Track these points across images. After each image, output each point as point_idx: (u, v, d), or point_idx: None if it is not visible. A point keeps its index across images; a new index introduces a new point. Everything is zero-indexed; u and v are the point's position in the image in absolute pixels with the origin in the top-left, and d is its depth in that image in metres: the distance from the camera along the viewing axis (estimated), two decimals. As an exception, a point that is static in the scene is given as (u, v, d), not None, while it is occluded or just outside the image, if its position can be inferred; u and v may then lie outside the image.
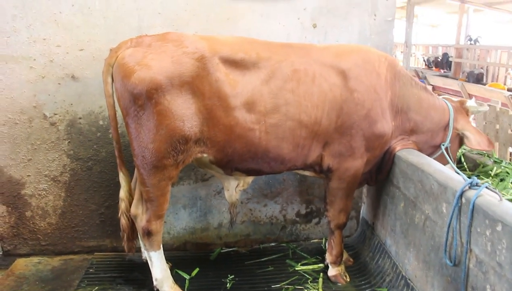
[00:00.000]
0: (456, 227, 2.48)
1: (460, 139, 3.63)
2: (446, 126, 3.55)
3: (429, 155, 3.48)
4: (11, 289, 3.49)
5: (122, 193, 3.26)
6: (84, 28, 3.55)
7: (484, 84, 12.36)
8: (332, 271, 3.61)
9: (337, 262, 3.61)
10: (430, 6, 21.49)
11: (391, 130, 3.32)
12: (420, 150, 3.44)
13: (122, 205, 3.27)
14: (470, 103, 3.69)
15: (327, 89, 3.10)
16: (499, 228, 2.13)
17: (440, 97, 3.70)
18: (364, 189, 4.23)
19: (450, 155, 3.52)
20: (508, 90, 9.48)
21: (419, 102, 3.43)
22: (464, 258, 2.42)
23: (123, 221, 3.29)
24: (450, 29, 22.74)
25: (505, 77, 12.98)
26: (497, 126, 4.05)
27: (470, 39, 16.86)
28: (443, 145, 3.51)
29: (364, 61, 3.23)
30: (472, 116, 3.79)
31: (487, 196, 2.33)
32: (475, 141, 3.49)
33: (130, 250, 3.38)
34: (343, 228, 3.59)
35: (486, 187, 2.38)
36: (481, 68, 14.26)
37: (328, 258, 3.65)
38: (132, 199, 3.26)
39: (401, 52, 17.36)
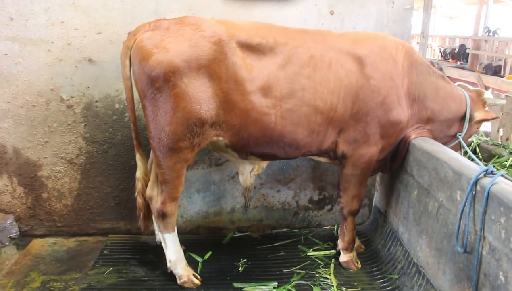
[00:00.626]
0: (470, 214, 2.48)
1: (472, 127, 3.62)
2: (463, 116, 3.53)
3: (444, 144, 3.47)
4: (28, 268, 3.57)
5: (139, 174, 3.32)
6: (102, 11, 3.58)
7: (502, 77, 12.18)
8: (344, 257, 3.63)
9: (349, 248, 3.62)
10: (448, -4, 21.21)
11: (407, 118, 3.31)
12: (435, 139, 3.42)
13: (139, 185, 3.32)
14: (488, 95, 3.67)
15: (343, 76, 3.09)
16: (514, 215, 2.12)
17: (457, 84, 3.67)
18: (377, 177, 4.23)
19: (464, 145, 3.50)
20: (526, 82, 9.36)
21: (436, 91, 3.41)
22: (477, 245, 2.42)
23: (139, 201, 3.35)
24: (468, 20, 22.40)
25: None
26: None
27: (489, 31, 16.59)
28: (460, 135, 3.50)
29: (381, 48, 3.21)
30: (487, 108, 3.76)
31: (502, 183, 2.32)
32: (483, 114, 3.59)
33: (146, 229, 3.45)
34: (356, 215, 3.60)
35: (502, 175, 2.37)
36: (500, 60, 14.05)
37: (340, 244, 3.67)
38: (148, 180, 3.31)
39: (417, 43, 17.14)
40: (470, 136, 3.78)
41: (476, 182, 2.44)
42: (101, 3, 3.56)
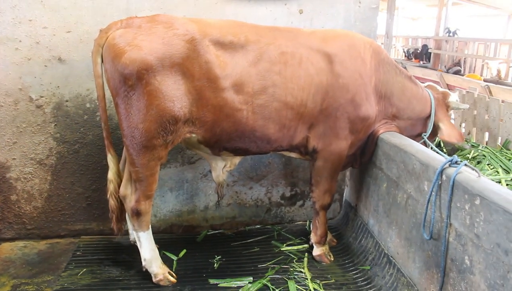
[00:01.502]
0: (436, 203, 2.59)
1: (435, 130, 3.73)
2: (428, 117, 3.65)
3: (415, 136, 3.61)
4: (-3, 272, 3.50)
5: (111, 174, 3.28)
6: (71, 10, 3.54)
7: (462, 75, 12.63)
8: (316, 251, 3.71)
9: (321, 242, 3.71)
10: (410, -2, 21.82)
11: (375, 114, 3.42)
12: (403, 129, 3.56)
13: (111, 186, 3.29)
14: (452, 98, 3.76)
15: (314, 73, 3.17)
16: (477, 201, 2.24)
17: (426, 84, 3.79)
18: (347, 172, 4.34)
19: (429, 143, 3.63)
20: (485, 80, 9.75)
21: (402, 90, 3.53)
22: (444, 232, 2.53)
23: (112, 202, 3.31)
24: (430, 22, 23.09)
25: (482, 68, 13.28)
26: (475, 112, 4.19)
27: (449, 32, 17.17)
28: (425, 135, 3.62)
29: (350, 47, 3.31)
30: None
31: (466, 172, 2.44)
32: (446, 134, 3.61)
33: (119, 231, 3.41)
34: (328, 209, 3.69)
35: (465, 165, 2.49)
36: (458, 63, 14.53)
37: (313, 238, 3.74)
38: (121, 181, 3.29)
39: (382, 43, 17.55)
40: (434, 137, 3.89)
41: (441, 171, 2.55)
42: (70, 1, 3.53)
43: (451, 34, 17.07)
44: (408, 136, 3.62)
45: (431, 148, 3.53)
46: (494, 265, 2.14)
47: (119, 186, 3.29)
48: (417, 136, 3.71)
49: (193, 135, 3.11)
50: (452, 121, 4.96)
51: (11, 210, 3.90)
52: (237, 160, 3.51)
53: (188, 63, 2.90)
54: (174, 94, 2.90)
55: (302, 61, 3.15)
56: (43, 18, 3.52)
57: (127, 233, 3.82)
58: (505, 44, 13.67)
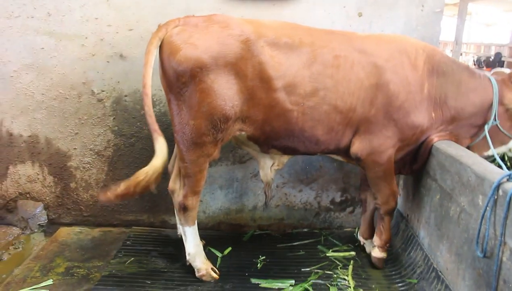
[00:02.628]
0: (491, 219, 2.44)
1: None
2: (491, 105, 3.41)
3: (474, 135, 3.45)
4: (53, 254, 3.71)
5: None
6: (134, 9, 3.70)
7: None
8: (378, 254, 3.64)
9: (384, 247, 3.62)
10: (485, 3, 20.72)
11: (428, 122, 3.27)
12: (462, 136, 3.42)
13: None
14: None
15: (364, 78, 3.11)
16: (535, 220, 2.09)
17: (493, 71, 3.57)
18: (400, 181, 4.19)
19: (505, 132, 3.42)
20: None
21: (458, 88, 3.34)
22: (497, 251, 2.38)
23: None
24: (505, 28, 21.87)
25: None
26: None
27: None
28: (487, 125, 3.39)
29: (401, 53, 3.20)
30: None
31: (525, 188, 2.29)
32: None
33: None
34: (393, 213, 3.60)
35: (525, 180, 2.33)
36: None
37: (377, 241, 3.65)
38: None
39: (451, 50, 16.86)
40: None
41: (498, 186, 2.40)
42: (133, 1, 3.69)
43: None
44: (474, 128, 3.47)
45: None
46: (549, 290, 1.99)
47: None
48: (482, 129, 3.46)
49: (243, 133, 3.15)
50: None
51: (70, 196, 4.13)
52: (285, 159, 3.50)
53: (242, 63, 2.93)
54: (226, 93, 2.94)
55: (354, 65, 3.09)
56: (108, 17, 3.70)
57: (175, 226, 3.92)
58: None
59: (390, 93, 3.12)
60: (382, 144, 3.23)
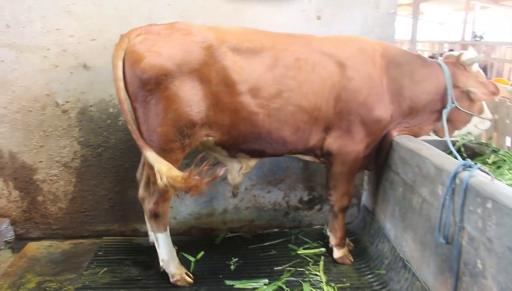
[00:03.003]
0: (450, 207, 2.60)
1: (469, 105, 3.61)
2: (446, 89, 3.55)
3: (436, 120, 3.61)
4: (24, 270, 3.65)
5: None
6: (96, 19, 3.69)
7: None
8: (337, 253, 3.75)
9: (341, 244, 3.74)
10: (437, 3, 21.54)
11: (390, 115, 3.43)
12: (424, 123, 3.61)
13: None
14: (464, 56, 3.60)
15: (326, 77, 3.23)
16: (489, 205, 2.24)
17: (444, 56, 3.73)
18: (365, 177, 4.35)
19: (465, 111, 3.55)
20: (512, 85, 9.57)
21: (411, 78, 3.48)
22: (457, 236, 2.53)
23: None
24: (457, 26, 22.74)
25: (509, 72, 13.00)
26: (496, 117, 4.14)
27: (475, 36, 16.89)
28: (445, 109, 3.52)
29: (360, 51, 3.35)
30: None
31: (479, 176, 2.44)
32: (481, 94, 3.52)
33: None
34: (346, 211, 3.73)
35: (479, 168, 2.49)
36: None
37: (333, 240, 3.77)
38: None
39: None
40: (474, 102, 3.64)
41: (455, 175, 2.56)
42: (95, 11, 3.67)
43: (477, 38, 16.79)
44: (435, 113, 3.60)
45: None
46: (505, 269, 2.14)
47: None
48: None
49: (210, 138, 3.20)
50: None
51: (37, 210, 4.06)
52: (252, 162, 3.57)
53: (206, 69, 2.98)
54: (192, 99, 2.99)
55: (315, 66, 3.20)
56: (70, 27, 3.68)
57: (147, 234, 3.93)
58: (534, 48, 13.38)
59: (353, 90, 3.26)
60: (351, 140, 3.36)
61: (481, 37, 16.79)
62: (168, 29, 3.03)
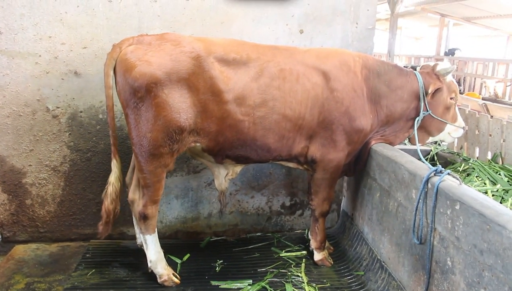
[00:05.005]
0: (423, 209, 2.80)
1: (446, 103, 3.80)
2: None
3: (411, 128, 3.79)
4: (11, 272, 3.71)
5: (112, 178, 3.43)
6: (88, 27, 3.81)
7: (462, 94, 12.88)
8: (318, 256, 3.92)
9: (321, 248, 3.92)
10: (413, 19, 22.21)
11: (370, 125, 3.63)
12: (399, 131, 3.81)
13: (109, 188, 3.42)
14: (439, 67, 3.76)
15: (310, 88, 3.42)
16: (457, 206, 2.45)
17: (420, 66, 3.92)
18: (344, 183, 4.55)
19: (439, 118, 3.75)
20: (483, 99, 9.99)
21: (388, 87, 3.67)
22: (429, 236, 2.74)
23: (106, 203, 3.42)
24: (432, 41, 23.43)
25: (480, 86, 13.54)
26: (466, 128, 4.40)
27: (450, 51, 17.46)
28: (418, 117, 3.71)
29: (342, 63, 3.55)
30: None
31: (449, 181, 2.66)
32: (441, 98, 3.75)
33: (104, 233, 3.47)
34: (326, 216, 3.91)
35: (448, 173, 2.71)
36: (458, 81, 14.79)
37: (313, 244, 3.95)
38: (120, 185, 3.46)
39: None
40: (449, 107, 3.83)
41: (427, 180, 2.77)
42: (87, 20, 3.80)
43: (451, 52, 17.35)
44: (410, 121, 3.78)
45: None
46: (471, 265, 2.34)
47: (117, 191, 3.44)
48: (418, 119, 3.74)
49: (198, 144, 3.35)
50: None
51: (25, 213, 4.13)
52: (238, 168, 3.73)
53: (194, 78, 3.14)
54: (180, 106, 3.14)
55: (299, 77, 3.39)
56: (62, 35, 3.80)
57: (134, 237, 4.03)
58: (502, 64, 13.92)
59: (335, 100, 3.45)
60: (333, 148, 3.55)
61: (451, 52, 17.32)
62: (159, 40, 3.18)
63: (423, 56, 20.44)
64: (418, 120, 3.73)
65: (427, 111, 3.74)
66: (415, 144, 3.67)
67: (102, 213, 3.45)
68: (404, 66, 3.99)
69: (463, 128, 3.99)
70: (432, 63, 3.91)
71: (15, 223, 4.14)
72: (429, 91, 3.68)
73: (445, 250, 2.60)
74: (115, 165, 3.44)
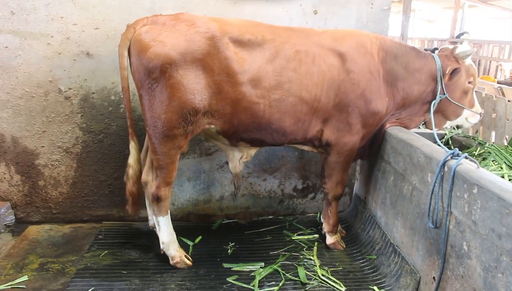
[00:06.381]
0: (439, 193, 2.76)
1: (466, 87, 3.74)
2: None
3: (427, 112, 3.75)
4: (25, 251, 3.74)
5: (131, 160, 3.46)
6: (100, 8, 3.78)
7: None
8: (330, 240, 3.91)
9: (333, 231, 3.91)
10: (427, 0, 21.78)
11: (386, 108, 3.58)
12: (415, 114, 3.76)
13: (130, 171, 3.47)
14: (458, 50, 3.70)
15: (326, 70, 3.36)
16: (475, 190, 2.41)
17: (439, 49, 3.84)
18: (357, 167, 4.51)
19: (456, 103, 3.70)
20: (498, 82, 9.80)
21: (406, 69, 3.61)
22: (445, 220, 2.70)
23: (129, 186, 3.49)
24: (446, 24, 23.04)
25: (496, 70, 13.31)
26: (482, 111, 4.33)
27: (461, 34, 17.08)
28: (434, 101, 3.67)
29: (358, 44, 3.49)
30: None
31: (466, 164, 2.61)
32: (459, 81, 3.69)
33: (134, 213, 3.57)
34: (339, 199, 3.89)
35: (466, 157, 2.66)
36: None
37: (326, 227, 3.93)
38: (140, 167, 3.50)
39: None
40: (468, 92, 3.78)
41: (444, 163, 2.72)
42: (99, 0, 3.76)
43: (462, 35, 17.00)
44: (427, 104, 3.73)
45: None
46: (489, 249, 2.31)
47: (137, 172, 3.48)
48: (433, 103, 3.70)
49: (212, 126, 3.32)
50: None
51: (38, 194, 4.15)
52: (253, 151, 3.71)
53: (209, 59, 3.10)
54: (195, 87, 3.11)
55: (315, 59, 3.33)
56: (74, 16, 3.76)
57: (146, 219, 4.04)
58: (520, 47, 13.66)
59: (351, 82, 3.40)
60: (348, 131, 3.51)
61: (460, 35, 16.93)
62: (173, 20, 3.14)
63: (436, 39, 20.11)
64: (434, 103, 3.66)
65: (444, 94, 3.67)
66: (431, 128, 3.61)
67: (127, 196, 3.52)
68: (424, 49, 3.91)
69: (480, 114, 3.91)
70: (451, 46, 3.81)
71: (28, 204, 4.17)
72: (447, 72, 3.59)
73: (461, 234, 2.57)
74: (133, 147, 3.44)
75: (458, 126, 4.00)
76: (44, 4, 3.70)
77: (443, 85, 3.65)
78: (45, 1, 3.70)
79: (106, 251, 3.77)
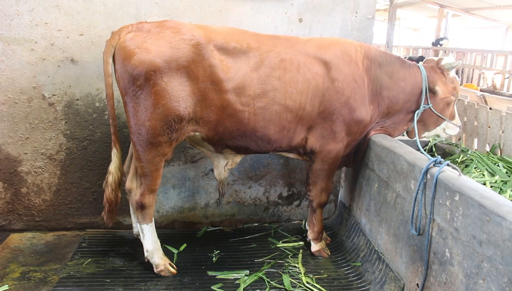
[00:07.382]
0: (422, 200, 2.79)
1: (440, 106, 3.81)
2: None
3: (410, 121, 3.80)
4: (7, 260, 3.68)
5: (112, 167, 3.42)
6: (85, 14, 3.76)
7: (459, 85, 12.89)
8: (315, 247, 3.91)
9: (318, 238, 3.91)
10: (411, 9, 22.11)
11: (370, 116, 3.61)
12: (399, 123, 3.80)
13: (110, 178, 3.43)
14: (444, 61, 3.76)
15: (311, 78, 3.39)
16: (457, 197, 2.44)
17: (424, 60, 3.91)
18: (342, 174, 4.54)
19: (438, 114, 3.76)
20: (481, 90, 9.97)
21: (391, 78, 3.65)
22: (427, 228, 2.73)
23: (107, 193, 3.44)
24: (431, 32, 23.38)
25: (478, 78, 13.54)
26: (465, 119, 4.38)
27: (439, 40, 17.31)
28: (418, 110, 3.72)
29: (343, 53, 3.52)
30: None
31: (448, 172, 2.64)
32: (442, 93, 3.75)
33: (109, 222, 3.51)
34: (324, 207, 3.90)
35: (448, 164, 2.69)
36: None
37: (310, 235, 3.94)
38: (120, 175, 3.46)
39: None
40: (450, 104, 3.85)
41: (427, 171, 2.75)
42: (84, 6, 3.74)
43: (434, 43, 17.26)
44: (410, 114, 3.78)
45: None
46: (470, 256, 2.34)
47: (117, 180, 3.44)
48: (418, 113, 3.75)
49: (197, 133, 3.31)
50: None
51: (21, 202, 4.09)
52: (238, 158, 3.71)
53: (193, 66, 3.11)
54: (180, 94, 3.11)
55: (300, 67, 3.36)
56: (58, 22, 3.74)
57: (130, 227, 4.01)
58: (501, 55, 13.92)
59: (336, 90, 3.43)
60: (332, 139, 3.53)
61: (437, 42, 17.17)
62: (158, 27, 3.14)
63: (421, 47, 20.39)
64: (418, 113, 3.72)
65: (428, 104, 3.72)
66: (413, 137, 3.65)
67: (104, 202, 3.47)
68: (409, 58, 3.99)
69: (459, 127, 3.99)
70: (436, 58, 3.89)
71: (10, 212, 4.11)
72: (432, 86, 3.70)
73: (443, 241, 2.59)
74: (115, 154, 3.41)
75: (437, 136, 4.07)
76: (28, 9, 3.68)
77: (428, 95, 3.70)
78: (29, 7, 3.67)
79: (89, 259, 3.73)
